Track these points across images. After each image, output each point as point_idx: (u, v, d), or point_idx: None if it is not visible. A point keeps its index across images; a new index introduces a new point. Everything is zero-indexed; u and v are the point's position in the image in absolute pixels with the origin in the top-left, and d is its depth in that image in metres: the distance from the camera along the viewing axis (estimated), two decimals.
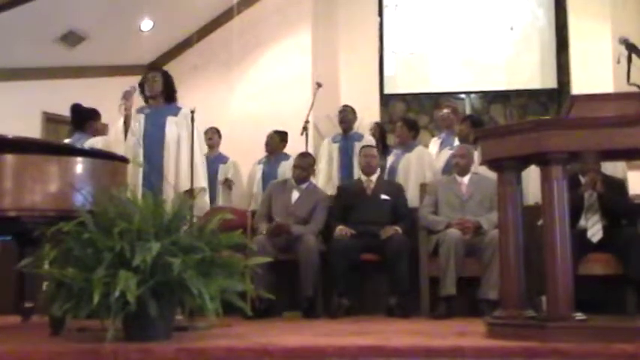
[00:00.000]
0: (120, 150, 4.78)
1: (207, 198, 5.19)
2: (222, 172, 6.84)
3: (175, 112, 5.07)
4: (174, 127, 5.00)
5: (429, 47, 8.96)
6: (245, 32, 8.58)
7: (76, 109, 5.82)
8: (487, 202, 5.14)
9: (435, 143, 6.71)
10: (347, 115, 6.93)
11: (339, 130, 7.06)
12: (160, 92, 5.08)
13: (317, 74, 8.20)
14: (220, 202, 6.69)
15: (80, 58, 8.11)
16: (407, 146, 6.54)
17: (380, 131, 7.18)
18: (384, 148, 6.86)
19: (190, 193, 4.65)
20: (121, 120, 4.95)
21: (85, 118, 5.83)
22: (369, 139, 6.69)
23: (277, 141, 6.97)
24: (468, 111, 8.58)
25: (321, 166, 6.78)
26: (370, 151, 5.79)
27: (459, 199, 5.30)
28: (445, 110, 6.81)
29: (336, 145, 6.88)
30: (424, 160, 6.35)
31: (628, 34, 4.84)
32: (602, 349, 2.95)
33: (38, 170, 3.67)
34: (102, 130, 6.15)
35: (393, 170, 6.40)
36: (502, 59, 8.81)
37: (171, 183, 4.82)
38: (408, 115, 8.56)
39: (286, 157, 6.93)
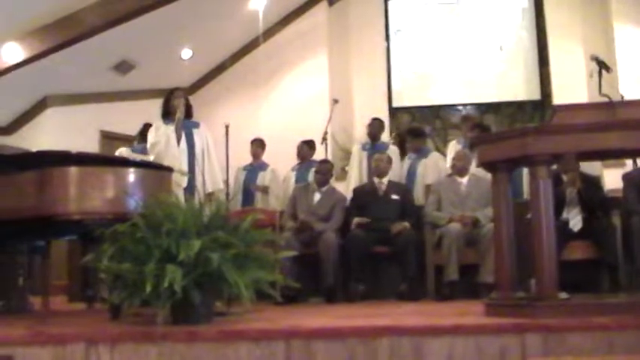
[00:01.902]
0: (168, 155, 4.82)
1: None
2: (260, 178, 6.84)
3: (197, 126, 5.13)
4: (198, 140, 5.05)
5: (430, 65, 8.93)
6: (270, 57, 8.59)
7: (146, 125, 5.91)
8: (484, 199, 5.10)
9: (453, 147, 6.60)
10: (374, 128, 6.89)
11: (362, 139, 7.03)
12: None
13: (333, 92, 8.20)
14: (259, 204, 6.71)
15: (130, 83, 8.16)
16: (421, 152, 6.50)
17: (400, 140, 7.14)
18: (403, 155, 6.78)
19: (210, 195, 4.67)
20: (171, 125, 4.95)
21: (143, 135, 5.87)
22: (394, 150, 6.62)
23: (306, 150, 6.94)
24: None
25: (354, 171, 6.72)
26: (380, 156, 5.78)
27: (459, 197, 5.28)
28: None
29: (365, 153, 6.80)
30: (439, 166, 6.32)
31: (598, 52, 4.87)
32: (583, 324, 2.97)
33: (97, 180, 3.71)
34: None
35: (411, 174, 6.33)
36: (493, 75, 8.78)
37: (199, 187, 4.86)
38: (412, 124, 8.54)
39: (316, 163, 6.91)
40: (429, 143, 8.07)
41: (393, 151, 6.53)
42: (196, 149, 4.98)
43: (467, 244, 4.99)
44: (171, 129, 4.94)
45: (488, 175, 3.73)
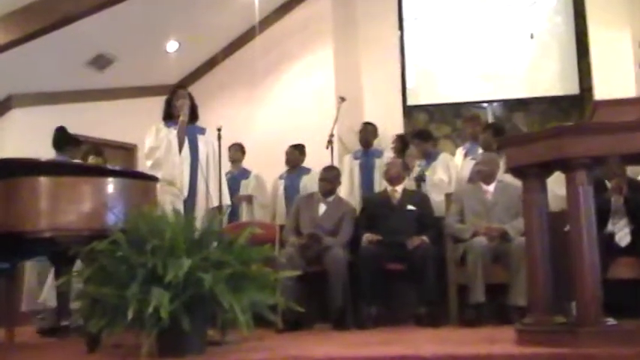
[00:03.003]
0: (168, 162, 4.82)
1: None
2: (243, 188, 6.86)
3: (202, 132, 5.12)
4: (203, 147, 5.05)
5: (450, 58, 8.91)
6: (268, 50, 8.61)
7: (61, 131, 5.85)
8: (513, 209, 5.10)
9: (460, 153, 6.68)
10: (366, 133, 6.94)
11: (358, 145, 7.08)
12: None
13: (340, 89, 8.19)
14: (244, 217, 6.70)
15: (108, 80, 8.18)
16: (429, 157, 6.52)
17: (402, 143, 7.15)
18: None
19: (219, 209, 4.68)
20: (173, 129, 4.95)
21: (66, 142, 5.81)
22: (389, 156, 6.67)
23: (297, 155, 6.98)
24: (490, 119, 8.52)
25: (343, 184, 6.73)
26: (393, 161, 5.81)
27: (484, 207, 5.28)
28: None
29: (356, 162, 6.90)
30: (449, 167, 6.32)
31: None
32: (632, 354, 2.90)
33: (71, 191, 3.69)
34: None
35: (420, 180, 6.34)
36: (522, 67, 8.73)
37: (201, 200, 4.85)
38: (431, 126, 8.54)
39: (306, 170, 6.96)
40: (449, 145, 8.08)
41: (388, 157, 6.57)
42: (200, 158, 4.98)
43: (494, 261, 4.97)
44: (173, 133, 4.94)
45: (518, 182, 3.71)
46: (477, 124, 6.73)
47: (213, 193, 4.94)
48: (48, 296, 5.10)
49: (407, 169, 5.93)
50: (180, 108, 4.99)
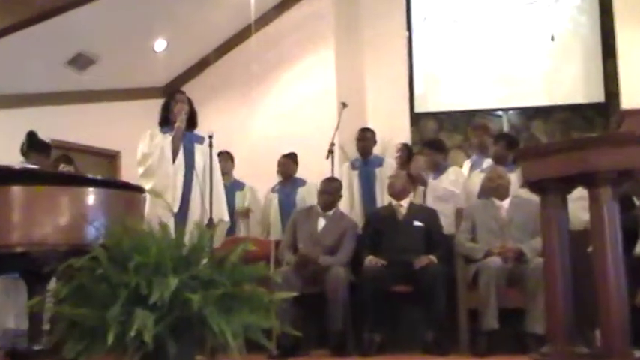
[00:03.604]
0: (160, 171, 4.81)
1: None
2: (239, 200, 6.85)
3: (200, 140, 5.12)
4: (201, 157, 5.05)
5: (462, 61, 8.91)
6: (264, 50, 8.60)
7: (30, 135, 5.84)
8: (529, 227, 5.11)
9: (467, 166, 6.68)
10: (364, 141, 6.92)
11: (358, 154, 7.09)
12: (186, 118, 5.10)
13: (342, 93, 8.20)
14: (241, 231, 6.70)
15: (90, 81, 8.17)
16: (439, 169, 6.51)
17: (408, 153, 7.12)
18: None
19: (209, 224, 4.66)
20: (170, 136, 4.94)
21: (32, 148, 5.80)
22: (390, 164, 6.65)
23: (292, 165, 6.97)
24: (505, 129, 8.52)
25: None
26: (397, 173, 5.82)
27: (498, 225, 5.28)
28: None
29: (355, 172, 6.88)
30: (458, 182, 6.31)
31: None
32: None
33: (48, 202, 3.68)
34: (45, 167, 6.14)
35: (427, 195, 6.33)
36: (541, 71, 8.70)
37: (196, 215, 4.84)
38: (441, 135, 8.54)
39: (302, 182, 6.94)
40: (460, 156, 8.07)
41: (389, 166, 6.55)
42: (196, 168, 4.98)
43: (509, 284, 4.97)
44: (168, 140, 4.94)
45: (535, 198, 3.70)
46: (484, 134, 6.72)
47: (217, 207, 4.98)
48: (19, 318, 5.07)
49: (413, 182, 5.91)
50: (177, 113, 4.98)
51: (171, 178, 4.88)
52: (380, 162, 6.87)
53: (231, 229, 6.61)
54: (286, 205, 6.72)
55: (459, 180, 6.34)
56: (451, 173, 6.43)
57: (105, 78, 8.23)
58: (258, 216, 6.90)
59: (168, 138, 4.95)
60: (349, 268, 5.38)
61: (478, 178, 6.05)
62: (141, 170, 4.95)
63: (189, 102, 5.16)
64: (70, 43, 7.51)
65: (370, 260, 5.27)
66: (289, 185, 6.91)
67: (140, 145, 5.05)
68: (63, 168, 6.05)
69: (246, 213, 6.82)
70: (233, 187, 6.93)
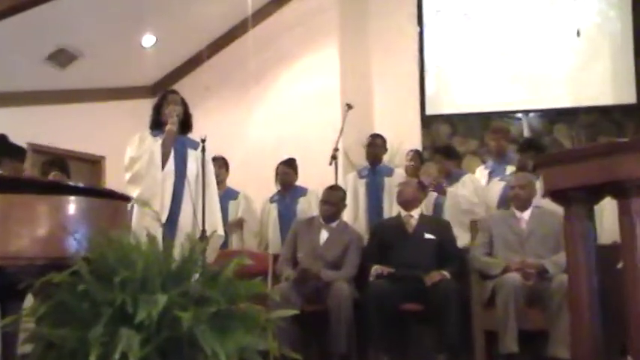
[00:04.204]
0: (148, 177, 4.80)
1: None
2: (232, 210, 6.85)
3: (195, 145, 5.11)
4: (194, 163, 5.04)
5: (478, 58, 8.95)
6: (263, 47, 8.64)
7: (1, 139, 5.83)
8: (552, 241, 5.10)
9: (481, 173, 6.65)
10: (374, 147, 6.90)
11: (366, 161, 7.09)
12: (180, 120, 5.09)
13: (346, 94, 8.23)
14: (233, 244, 6.70)
15: (72, 79, 8.19)
16: (452, 177, 6.51)
17: (420, 161, 7.13)
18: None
19: (202, 236, 4.66)
20: (161, 139, 4.94)
21: (4, 153, 5.79)
22: (401, 174, 6.64)
23: (291, 173, 6.96)
24: (525, 133, 8.52)
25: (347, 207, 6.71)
26: (407, 181, 5.82)
27: (518, 238, 5.27)
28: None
29: (362, 181, 6.86)
30: (476, 189, 6.30)
31: None
32: None
33: (24, 211, 3.66)
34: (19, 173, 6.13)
35: (439, 206, 6.34)
36: (566, 70, 8.73)
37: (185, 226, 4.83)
38: (455, 140, 8.55)
39: (302, 191, 6.92)
40: (476, 162, 8.07)
41: (399, 176, 6.55)
42: (188, 175, 4.98)
43: (530, 303, 4.95)
44: (158, 144, 4.94)
45: (559, 208, 3.69)
46: (503, 138, 6.71)
47: (210, 219, 4.96)
48: None
49: (423, 190, 5.90)
50: (168, 115, 4.98)
51: (159, 184, 4.87)
52: (389, 171, 6.85)
53: (224, 242, 6.62)
54: (286, 216, 6.70)
55: (477, 189, 6.33)
56: (467, 182, 6.41)
57: (88, 76, 8.26)
58: (253, 227, 6.89)
59: (159, 142, 4.95)
60: (353, 284, 5.40)
61: (498, 187, 6.05)
62: (128, 176, 4.95)
63: (184, 103, 5.16)
64: (51, 36, 7.52)
65: (376, 269, 5.28)
66: (289, 195, 6.89)
67: (128, 148, 5.05)
68: (54, 176, 6.05)
69: (239, 224, 6.81)
70: (226, 195, 6.92)
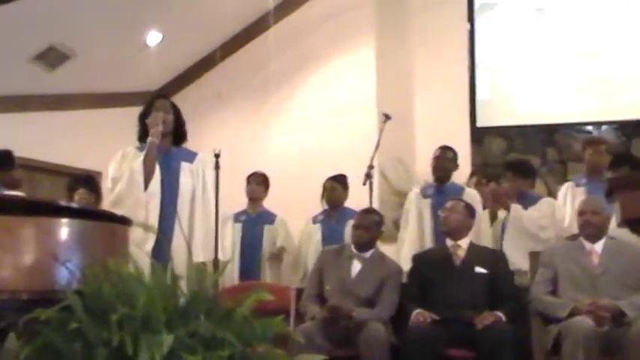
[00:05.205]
0: (130, 198, 4.82)
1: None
2: (267, 236, 6.85)
3: (191, 158, 5.10)
4: (189, 178, 5.05)
5: (540, 61, 8.94)
6: (285, 47, 8.69)
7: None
8: (630, 279, 5.07)
9: (569, 192, 6.57)
10: (443, 161, 6.81)
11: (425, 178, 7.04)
12: (170, 130, 5.09)
13: (383, 102, 8.27)
14: (268, 277, 6.74)
15: (63, 82, 8.24)
16: (525, 199, 6.47)
17: (486, 181, 7.09)
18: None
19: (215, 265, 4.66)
20: (140, 155, 4.95)
21: None
22: (472, 194, 6.54)
23: (340, 190, 6.93)
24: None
25: (409, 231, 6.66)
26: (453, 204, 5.76)
27: (588, 274, 5.22)
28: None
29: (427, 202, 6.72)
30: (555, 216, 6.26)
31: None
32: None
33: (8, 235, 3.67)
34: (14, 183, 6.17)
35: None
36: None
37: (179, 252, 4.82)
38: (511, 157, 8.51)
39: (352, 213, 6.87)
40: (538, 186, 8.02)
41: (472, 197, 6.48)
42: (180, 194, 4.98)
43: (604, 352, 4.87)
44: (140, 160, 4.93)
45: (637, 240, 3.66)
46: (601, 152, 6.58)
47: (200, 243, 4.96)
48: None
49: (473, 215, 5.85)
50: (151, 124, 4.96)
51: (142, 207, 4.86)
52: (458, 190, 6.68)
53: (253, 273, 6.64)
54: (331, 240, 6.59)
55: (555, 215, 6.26)
56: (544, 206, 6.35)
57: (82, 79, 8.32)
58: (291, 257, 6.87)
59: (142, 158, 4.94)
60: (390, 325, 5.38)
61: None
62: (111, 198, 4.96)
63: (175, 109, 5.14)
64: (39, 33, 7.57)
65: (418, 315, 5.24)
66: (337, 215, 6.86)
67: (110, 167, 5.07)
68: (81, 195, 6.13)
69: (280, 255, 6.80)
70: (261, 217, 6.93)
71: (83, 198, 6.20)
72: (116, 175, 4.98)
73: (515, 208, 6.20)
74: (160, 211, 4.92)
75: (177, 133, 5.13)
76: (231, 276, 6.54)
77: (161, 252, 4.67)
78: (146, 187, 4.91)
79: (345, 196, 6.94)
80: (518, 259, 5.81)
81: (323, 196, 6.95)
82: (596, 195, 6.01)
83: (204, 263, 4.91)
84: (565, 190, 6.64)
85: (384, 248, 6.20)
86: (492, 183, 6.74)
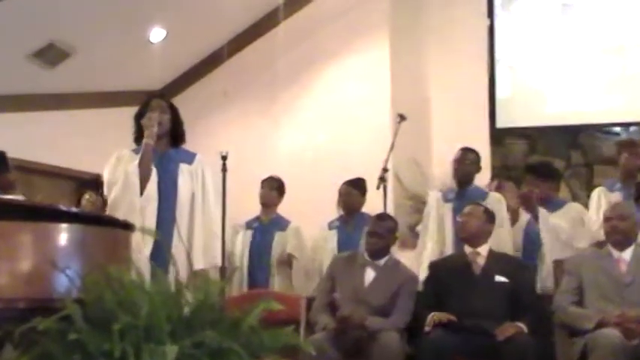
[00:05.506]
0: (124, 203, 4.82)
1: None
2: (278, 243, 6.86)
3: (189, 159, 5.11)
4: (187, 181, 5.06)
5: (564, 58, 8.91)
6: (295, 44, 8.69)
7: None
8: None
9: (601, 197, 6.50)
10: (464, 164, 6.78)
11: (444, 182, 7.02)
12: (167, 131, 5.09)
13: (398, 102, 8.26)
14: (276, 285, 6.76)
15: (62, 81, 8.26)
16: (549, 204, 6.46)
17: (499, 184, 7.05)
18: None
19: (221, 272, 4.66)
20: (136, 158, 4.96)
21: None
22: (497, 198, 6.51)
23: (357, 196, 6.92)
24: None
25: (429, 236, 6.63)
26: (471, 209, 5.73)
27: (616, 284, 5.22)
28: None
29: (448, 206, 6.70)
30: (583, 225, 6.23)
31: None
32: None
33: (4, 241, 3.67)
34: (9, 185, 6.18)
35: (531, 241, 6.27)
36: None
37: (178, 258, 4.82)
38: (533, 159, 8.49)
39: (369, 219, 6.86)
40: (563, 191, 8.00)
41: (496, 201, 6.45)
42: (179, 198, 4.99)
43: None
44: (135, 163, 4.94)
45: None
46: (638, 155, 6.52)
47: (198, 250, 4.96)
48: None
49: (492, 221, 5.83)
50: (146, 125, 4.96)
51: (138, 212, 4.86)
52: (482, 194, 6.64)
53: (259, 281, 6.64)
54: (347, 246, 6.58)
55: (584, 222, 6.24)
56: (573, 213, 6.33)
57: (82, 77, 8.33)
58: (306, 265, 6.87)
59: (137, 160, 4.95)
60: (405, 335, 5.40)
61: None
62: (108, 203, 4.98)
63: (172, 110, 5.15)
64: (38, 29, 7.60)
65: (434, 317, 5.21)
66: (353, 221, 6.85)
67: (105, 171, 5.08)
68: (88, 199, 6.14)
69: (289, 261, 6.81)
70: (274, 223, 6.94)
71: (90, 201, 6.21)
72: (111, 180, 4.99)
73: (544, 214, 6.18)
74: (158, 216, 4.92)
75: (175, 134, 5.13)
76: (240, 283, 6.57)
77: (160, 258, 4.68)
78: (142, 191, 4.92)
79: (362, 202, 6.93)
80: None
81: (339, 201, 6.94)
82: (628, 197, 6.06)
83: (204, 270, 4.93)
84: (597, 196, 6.56)
85: (400, 255, 6.20)
86: (511, 183, 6.70)
